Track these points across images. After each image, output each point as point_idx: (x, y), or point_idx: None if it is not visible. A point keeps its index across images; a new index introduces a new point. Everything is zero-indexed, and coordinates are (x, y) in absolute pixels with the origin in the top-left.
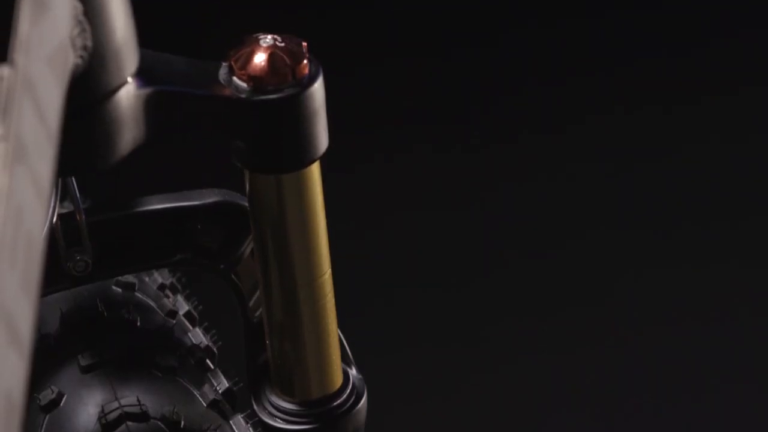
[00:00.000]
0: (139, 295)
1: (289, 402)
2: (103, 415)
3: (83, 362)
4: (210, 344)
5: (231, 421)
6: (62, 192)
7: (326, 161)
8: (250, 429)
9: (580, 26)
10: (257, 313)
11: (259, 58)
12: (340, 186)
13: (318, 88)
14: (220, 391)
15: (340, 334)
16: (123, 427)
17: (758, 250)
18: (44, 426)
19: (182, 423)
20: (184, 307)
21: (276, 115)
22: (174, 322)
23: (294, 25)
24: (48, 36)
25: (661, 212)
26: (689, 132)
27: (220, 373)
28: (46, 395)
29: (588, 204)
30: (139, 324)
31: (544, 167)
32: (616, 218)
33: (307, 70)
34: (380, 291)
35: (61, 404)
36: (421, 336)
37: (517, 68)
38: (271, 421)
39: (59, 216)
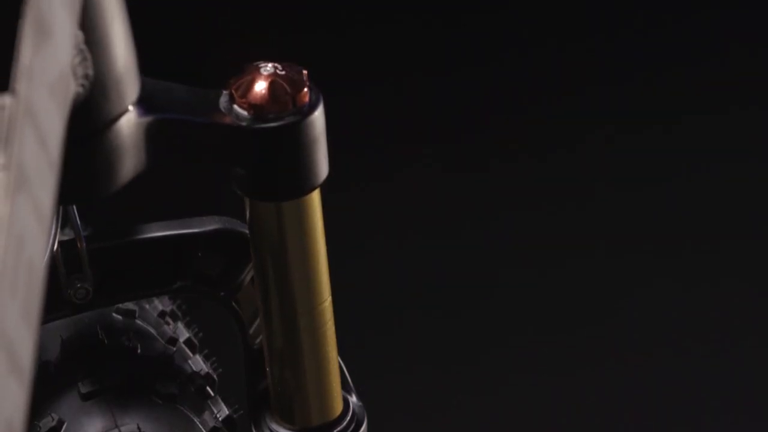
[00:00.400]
0: (139, 322)
1: (289, 429)
2: None
3: (83, 389)
4: (210, 371)
5: None
6: (63, 219)
7: (324, 185)
8: None
9: (581, 44)
10: (257, 341)
11: (260, 86)
12: (337, 210)
13: (318, 116)
14: (220, 419)
15: (340, 361)
16: None
17: (760, 270)
18: None
19: None
20: (184, 334)
21: (276, 143)
22: (174, 349)
23: (290, 46)
24: (49, 65)
25: (663, 233)
26: (690, 152)
27: (220, 401)
28: (47, 423)
29: (589, 224)
30: (139, 351)
31: (544, 187)
32: (617, 239)
33: (307, 98)
34: (380, 314)
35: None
36: (422, 359)
37: (518, 86)
38: None
39: (60, 243)
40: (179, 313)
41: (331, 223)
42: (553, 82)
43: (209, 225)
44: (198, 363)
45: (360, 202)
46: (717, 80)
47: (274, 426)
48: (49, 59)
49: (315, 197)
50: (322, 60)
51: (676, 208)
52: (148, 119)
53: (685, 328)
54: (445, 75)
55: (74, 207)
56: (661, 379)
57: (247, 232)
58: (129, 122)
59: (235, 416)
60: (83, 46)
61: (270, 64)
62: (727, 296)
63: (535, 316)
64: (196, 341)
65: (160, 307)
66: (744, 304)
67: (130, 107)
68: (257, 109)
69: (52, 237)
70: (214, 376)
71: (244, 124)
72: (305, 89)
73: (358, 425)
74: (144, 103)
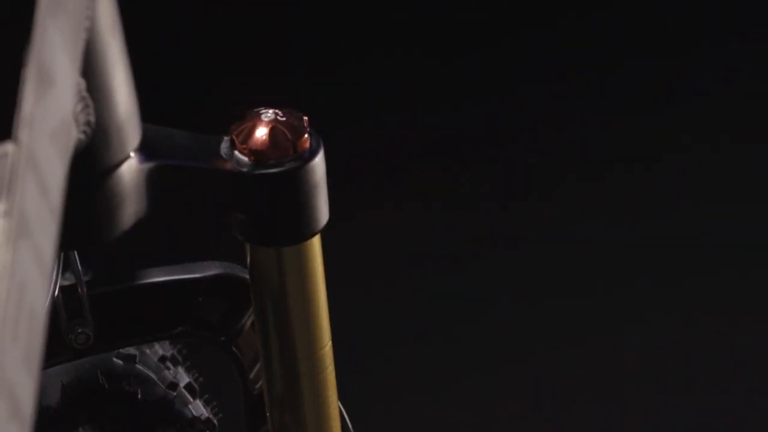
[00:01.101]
0: (139, 367)
1: None
2: None
3: None
4: (211, 416)
5: None
6: (64, 264)
7: (324, 227)
8: None
9: (578, 80)
10: (258, 386)
11: (261, 132)
12: (335, 248)
13: (319, 162)
14: None
15: (341, 406)
16: None
17: (761, 300)
18: None
19: None
20: (184, 379)
21: (277, 189)
22: (175, 394)
23: (290, 92)
24: (51, 112)
25: (660, 264)
26: (688, 185)
27: None
28: None
29: (588, 256)
30: (139, 396)
31: (542, 221)
32: (617, 270)
33: (308, 144)
34: (379, 350)
35: None
36: (423, 403)
37: (518, 121)
38: None
39: (61, 288)
40: (180, 358)
41: (330, 263)
42: (549, 119)
43: (210, 270)
44: (198, 408)
45: (358, 240)
46: (715, 114)
47: None
48: (51, 107)
49: (315, 243)
50: (319, 104)
51: (677, 241)
52: (149, 165)
53: (687, 355)
54: (440, 115)
55: (75, 252)
56: (663, 410)
57: (248, 277)
58: (130, 168)
59: None
60: (85, 94)
61: (271, 110)
62: (727, 324)
63: (535, 345)
64: (196, 386)
65: (161, 352)
66: (744, 333)
67: (132, 153)
68: (258, 155)
69: (53, 282)
70: (215, 421)
71: (245, 170)
72: (306, 135)
73: None
74: (145, 150)
